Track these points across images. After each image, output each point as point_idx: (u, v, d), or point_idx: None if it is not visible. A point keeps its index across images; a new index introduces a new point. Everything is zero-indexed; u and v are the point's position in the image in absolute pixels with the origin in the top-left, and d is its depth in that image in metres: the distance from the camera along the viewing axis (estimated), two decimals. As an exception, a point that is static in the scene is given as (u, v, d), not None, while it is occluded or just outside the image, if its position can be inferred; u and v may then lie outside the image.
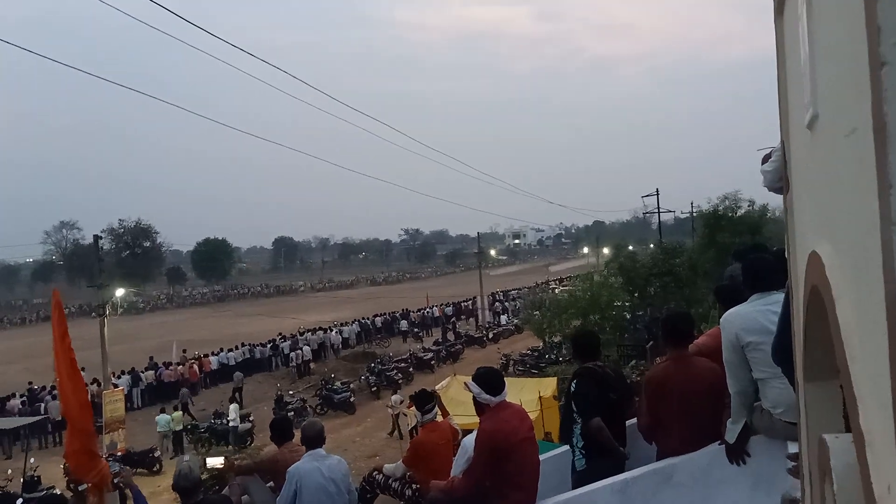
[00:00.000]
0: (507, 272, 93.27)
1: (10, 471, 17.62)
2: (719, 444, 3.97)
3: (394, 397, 21.08)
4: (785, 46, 2.09)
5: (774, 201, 30.19)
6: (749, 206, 29.33)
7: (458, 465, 4.86)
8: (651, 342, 20.12)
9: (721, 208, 29.07)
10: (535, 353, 29.90)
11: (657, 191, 42.00)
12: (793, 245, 2.12)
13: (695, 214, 36.73)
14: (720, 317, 4.02)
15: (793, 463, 2.71)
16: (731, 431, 3.84)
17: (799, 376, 2.12)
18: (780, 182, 2.47)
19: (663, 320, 4.68)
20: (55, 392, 24.12)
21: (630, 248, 41.37)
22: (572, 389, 4.96)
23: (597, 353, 5.21)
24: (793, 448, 2.74)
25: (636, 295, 26.10)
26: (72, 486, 15.91)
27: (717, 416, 4.09)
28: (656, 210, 42.45)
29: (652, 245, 43.30)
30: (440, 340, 37.85)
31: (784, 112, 2.21)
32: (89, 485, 3.89)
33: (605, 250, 59.22)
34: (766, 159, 2.87)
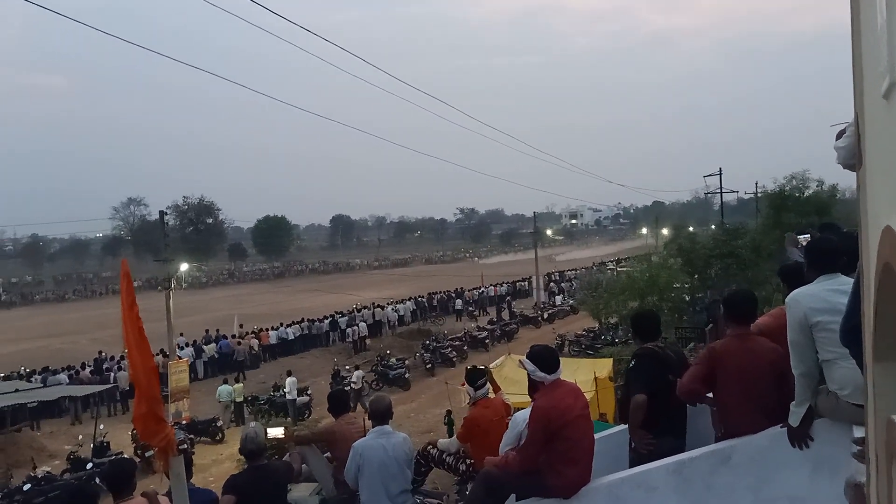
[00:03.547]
0: (501, 261, 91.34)
1: (80, 436, 18.39)
2: (781, 427, 3.87)
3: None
4: (860, 13, 2.00)
5: (845, 181, 29.14)
6: (818, 186, 28.37)
7: (508, 440, 4.87)
8: (710, 325, 19.74)
9: (788, 188, 28.16)
10: (591, 334, 29.72)
11: (720, 170, 40.94)
12: (865, 221, 2.04)
13: (759, 195, 35.69)
14: (784, 299, 3.91)
15: (858, 447, 2.63)
16: (795, 414, 3.74)
17: (868, 357, 2.06)
18: (853, 158, 2.38)
19: (725, 298, 4.56)
20: (123, 363, 25.12)
21: (690, 229, 40.48)
22: (630, 368, 4.91)
23: (657, 333, 5.13)
24: (858, 432, 2.66)
25: (696, 277, 25.59)
26: (139, 451, 16.58)
27: (779, 398, 3.98)
28: (719, 190, 41.39)
29: (713, 226, 42.28)
30: (495, 319, 37.88)
31: (858, 83, 2.12)
32: (156, 450, 4.02)
33: (665, 231, 58.16)
34: (840, 135, 2.77)
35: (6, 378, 22.84)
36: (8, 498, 13.68)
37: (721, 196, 42.20)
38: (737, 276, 23.44)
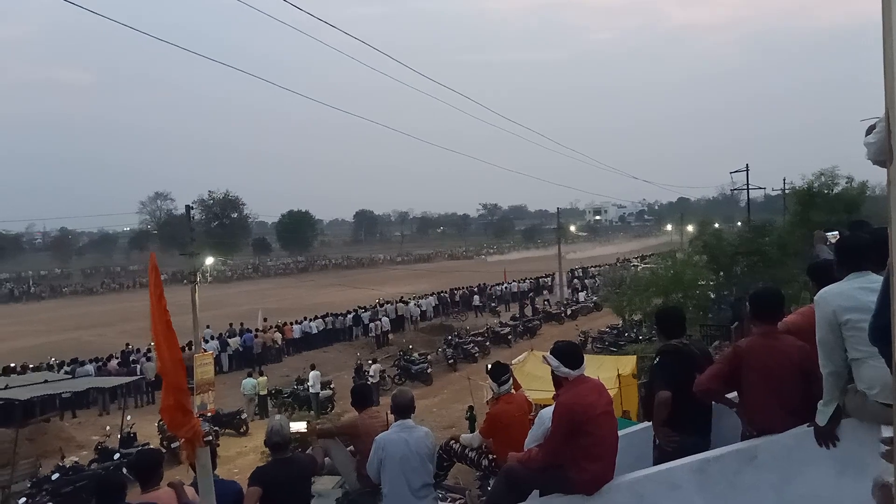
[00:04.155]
0: (502, 259, 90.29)
1: (108, 427, 18.65)
2: (808, 426, 3.83)
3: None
4: (891, 7, 1.97)
5: (875, 178, 28.56)
6: (847, 183, 27.86)
7: (534, 437, 4.87)
8: (736, 322, 19.54)
9: (816, 185, 27.71)
10: (615, 331, 29.58)
11: (747, 166, 40.40)
12: (894, 218, 2.01)
13: (787, 192, 35.17)
14: (813, 297, 3.86)
15: (886, 447, 2.60)
16: (823, 413, 3.69)
17: (897, 356, 2.03)
18: (884, 154, 2.35)
19: (752, 295, 4.50)
20: (150, 354, 25.44)
21: (716, 225, 40.03)
22: (654, 365, 4.88)
23: (682, 330, 5.09)
24: (886, 431, 2.63)
25: (721, 274, 25.33)
26: (165, 442, 16.82)
27: (805, 397, 3.93)
28: (745, 187, 40.87)
29: (739, 223, 41.79)
30: (517, 315, 37.82)
31: (889, 78, 2.09)
32: (182, 441, 4.07)
33: (690, 228, 57.58)
34: (870, 131, 2.73)
35: (35, 369, 23.22)
36: (37, 487, 13.93)
37: (748, 193, 41.66)
38: (763, 273, 23.16)
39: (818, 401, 3.73)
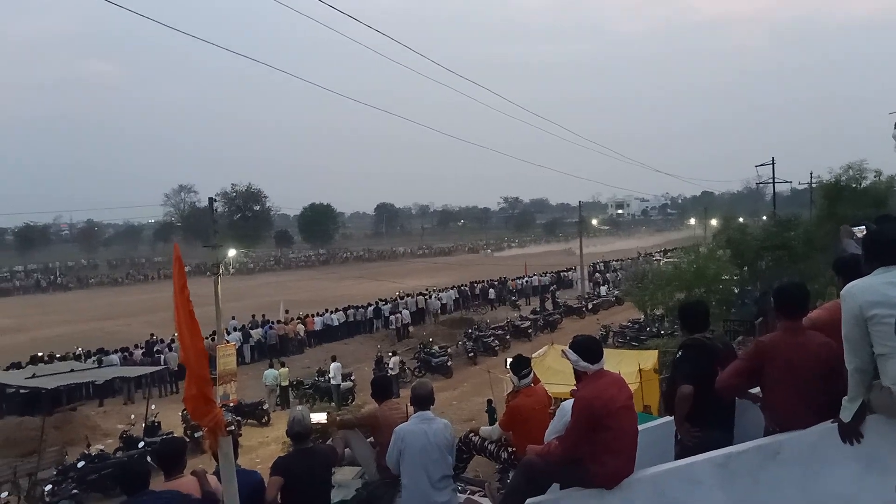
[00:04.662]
0: (510, 254, 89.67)
1: (132, 416, 18.91)
2: (832, 423, 3.77)
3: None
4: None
5: (904, 171, 28.10)
6: (875, 176, 27.39)
7: (555, 429, 4.85)
8: (760, 318, 19.29)
9: (843, 179, 27.27)
10: (636, 326, 29.40)
11: (773, 160, 39.95)
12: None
13: (814, 185, 34.67)
14: (839, 292, 3.80)
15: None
16: (848, 410, 3.63)
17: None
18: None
19: (776, 290, 4.43)
20: (173, 345, 25.73)
21: (740, 220, 39.59)
22: (677, 359, 4.84)
23: (705, 324, 5.03)
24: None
25: (745, 269, 25.03)
26: (189, 431, 17.01)
27: (829, 393, 3.87)
28: (771, 180, 40.38)
29: (765, 217, 41.27)
30: (538, 309, 37.73)
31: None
32: (205, 430, 4.11)
33: (714, 222, 57.02)
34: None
35: (62, 359, 23.59)
36: (63, 475, 14.16)
37: (773, 186, 41.23)
38: (789, 268, 22.84)
39: (842, 397, 3.68)
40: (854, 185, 26.94)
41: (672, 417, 4.81)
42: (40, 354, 25.16)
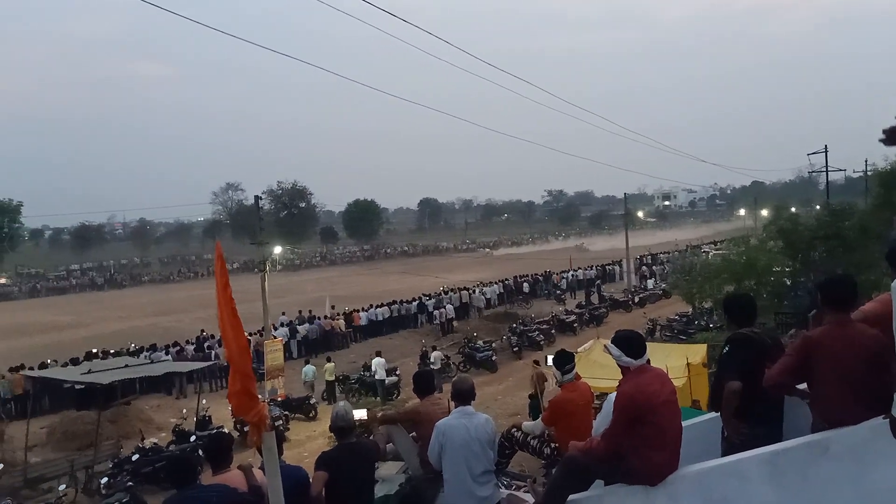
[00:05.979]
0: (514, 252, 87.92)
1: (184, 410, 19.34)
2: (883, 418, 3.64)
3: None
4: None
5: (964, 159, 27.00)
6: (934, 163, 26.37)
7: (601, 424, 4.80)
8: (814, 310, 18.77)
9: (900, 166, 26.32)
10: (684, 319, 28.93)
11: (826, 148, 38.81)
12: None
13: (869, 173, 33.58)
14: (893, 282, 3.66)
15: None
16: (899, 405, 3.51)
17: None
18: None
19: (821, 284, 4.29)
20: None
21: (792, 209, 38.58)
22: (724, 354, 4.73)
23: (752, 318, 4.91)
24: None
25: (798, 259, 24.36)
26: (238, 426, 17.34)
27: (880, 388, 3.74)
28: (824, 169, 39.24)
29: (818, 207, 40.13)
30: (583, 303, 37.38)
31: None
32: (250, 425, 4.17)
33: (764, 212, 55.72)
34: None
35: (116, 354, 24.26)
36: (118, 467, 14.59)
37: (826, 175, 40.04)
38: (842, 258, 22.15)
39: (893, 391, 3.55)
40: (912, 172, 25.98)
41: (718, 413, 4.71)
42: (95, 351, 25.93)
